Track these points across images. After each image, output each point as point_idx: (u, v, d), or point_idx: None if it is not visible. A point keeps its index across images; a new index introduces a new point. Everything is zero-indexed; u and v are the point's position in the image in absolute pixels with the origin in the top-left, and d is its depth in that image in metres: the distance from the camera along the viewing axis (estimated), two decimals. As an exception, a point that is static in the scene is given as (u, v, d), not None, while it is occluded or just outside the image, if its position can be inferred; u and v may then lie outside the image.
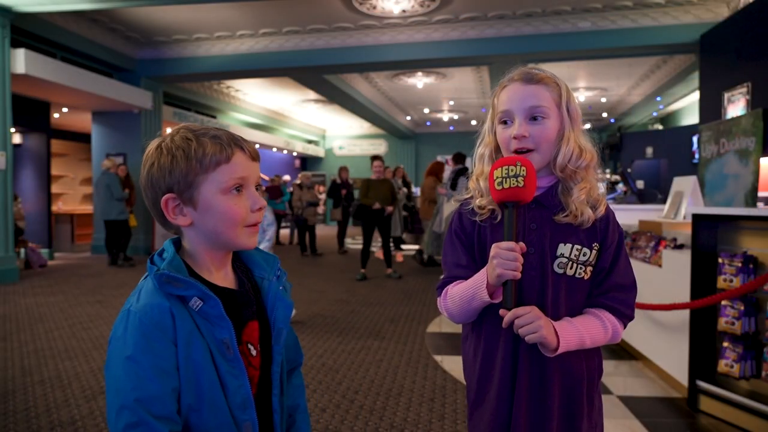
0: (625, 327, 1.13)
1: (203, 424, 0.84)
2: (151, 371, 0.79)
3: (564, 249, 1.09)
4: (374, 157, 7.10)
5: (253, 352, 0.93)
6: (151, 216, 4.53)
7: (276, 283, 0.99)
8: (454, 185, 6.84)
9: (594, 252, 1.10)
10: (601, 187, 1.16)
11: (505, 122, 1.13)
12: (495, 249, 1.01)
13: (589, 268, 1.10)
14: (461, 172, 6.91)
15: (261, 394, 0.93)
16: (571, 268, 1.09)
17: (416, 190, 11.37)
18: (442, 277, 1.21)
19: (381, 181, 6.98)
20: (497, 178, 1.01)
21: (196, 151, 0.86)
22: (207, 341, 0.84)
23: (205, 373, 0.83)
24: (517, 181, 0.97)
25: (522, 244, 1.01)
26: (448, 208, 6.95)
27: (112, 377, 0.81)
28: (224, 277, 0.94)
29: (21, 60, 6.74)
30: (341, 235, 10.18)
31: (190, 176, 0.86)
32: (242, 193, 0.89)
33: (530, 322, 1.01)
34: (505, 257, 0.99)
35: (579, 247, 1.09)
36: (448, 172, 7.74)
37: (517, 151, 1.10)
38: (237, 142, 0.90)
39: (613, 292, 1.10)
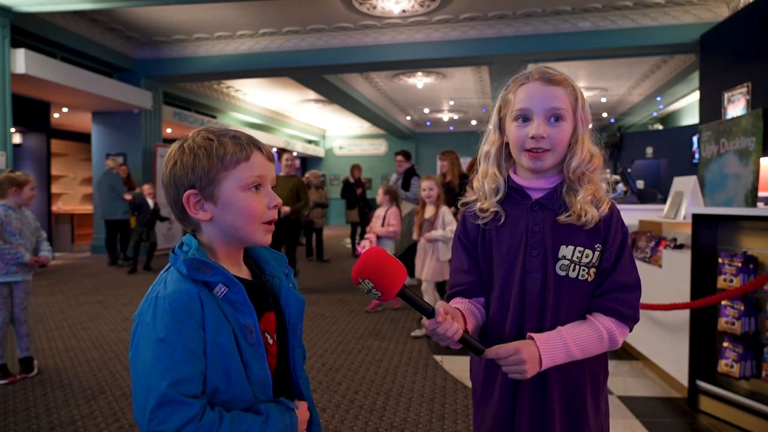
0: (630, 329, 1.10)
1: (230, 404, 0.88)
2: (182, 353, 0.83)
3: (566, 251, 1.08)
4: (280, 150, 6.30)
5: (270, 341, 0.98)
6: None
7: (286, 280, 1.04)
8: (406, 185, 6.42)
9: (597, 253, 1.09)
10: (605, 186, 1.14)
11: (522, 119, 1.10)
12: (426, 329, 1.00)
13: (593, 270, 1.09)
14: (412, 172, 6.56)
15: (277, 380, 0.97)
16: (573, 270, 1.08)
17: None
18: (449, 283, 1.22)
19: (286, 178, 5.93)
20: (364, 290, 0.96)
21: (217, 149, 0.91)
22: (232, 326, 0.89)
23: (232, 356, 0.88)
24: (374, 294, 0.94)
25: (441, 311, 0.96)
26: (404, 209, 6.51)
27: (141, 361, 0.83)
28: (240, 271, 0.98)
29: (21, 60, 6.74)
30: (355, 237, 9.58)
31: (212, 173, 0.91)
32: (260, 191, 0.94)
33: (514, 365, 1.01)
34: (434, 336, 0.98)
35: (581, 248, 1.08)
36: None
37: (531, 150, 1.08)
38: (255, 143, 0.95)
39: (614, 292, 1.08)
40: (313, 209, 8.92)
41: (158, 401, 0.80)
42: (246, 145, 0.93)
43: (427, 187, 4.24)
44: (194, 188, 0.91)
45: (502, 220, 1.13)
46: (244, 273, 0.99)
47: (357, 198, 9.24)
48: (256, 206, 0.93)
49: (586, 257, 1.08)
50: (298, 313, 1.03)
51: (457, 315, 1.04)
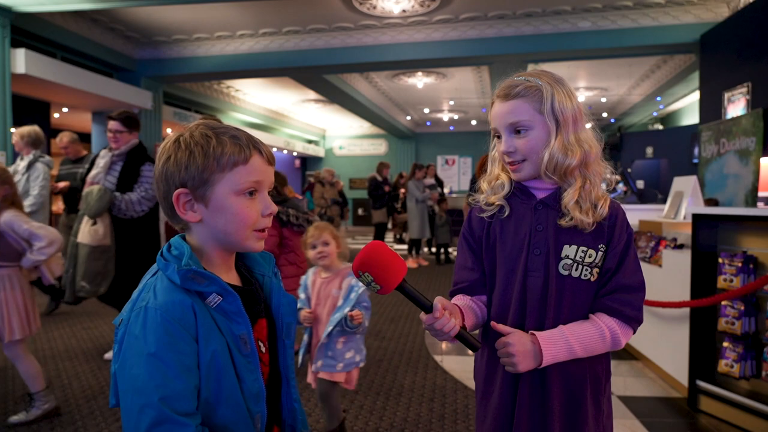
0: (634, 331, 1.10)
1: (222, 417, 0.84)
2: (175, 369, 0.78)
3: (569, 251, 1.09)
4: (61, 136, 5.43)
5: (263, 349, 0.94)
6: (150, 217, 4.13)
7: (276, 279, 1.01)
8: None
9: (600, 253, 1.09)
10: (601, 182, 1.13)
11: (497, 137, 1.16)
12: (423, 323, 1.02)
13: (596, 270, 1.09)
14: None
15: (270, 389, 0.95)
16: (576, 269, 1.08)
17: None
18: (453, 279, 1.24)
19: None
20: (364, 282, 0.98)
21: (215, 149, 0.85)
22: (225, 337, 0.84)
23: (224, 368, 0.83)
24: (373, 287, 0.95)
25: (438, 307, 0.98)
26: None
27: (131, 377, 0.78)
28: (231, 276, 0.94)
29: (21, 60, 6.73)
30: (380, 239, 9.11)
31: (206, 174, 0.85)
32: (255, 197, 0.89)
33: (504, 356, 1.05)
34: (431, 331, 1.01)
35: (584, 248, 1.08)
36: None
37: (510, 164, 1.13)
38: (255, 145, 0.89)
39: (618, 293, 1.08)
40: (332, 206, 8.74)
41: (153, 420, 0.75)
42: (246, 146, 0.87)
43: None
44: (185, 187, 0.85)
45: (507, 212, 1.15)
46: (235, 277, 0.95)
47: (385, 197, 8.78)
48: (249, 213, 0.87)
49: (590, 257, 1.09)
50: (292, 313, 1.00)
51: (456, 311, 1.06)
